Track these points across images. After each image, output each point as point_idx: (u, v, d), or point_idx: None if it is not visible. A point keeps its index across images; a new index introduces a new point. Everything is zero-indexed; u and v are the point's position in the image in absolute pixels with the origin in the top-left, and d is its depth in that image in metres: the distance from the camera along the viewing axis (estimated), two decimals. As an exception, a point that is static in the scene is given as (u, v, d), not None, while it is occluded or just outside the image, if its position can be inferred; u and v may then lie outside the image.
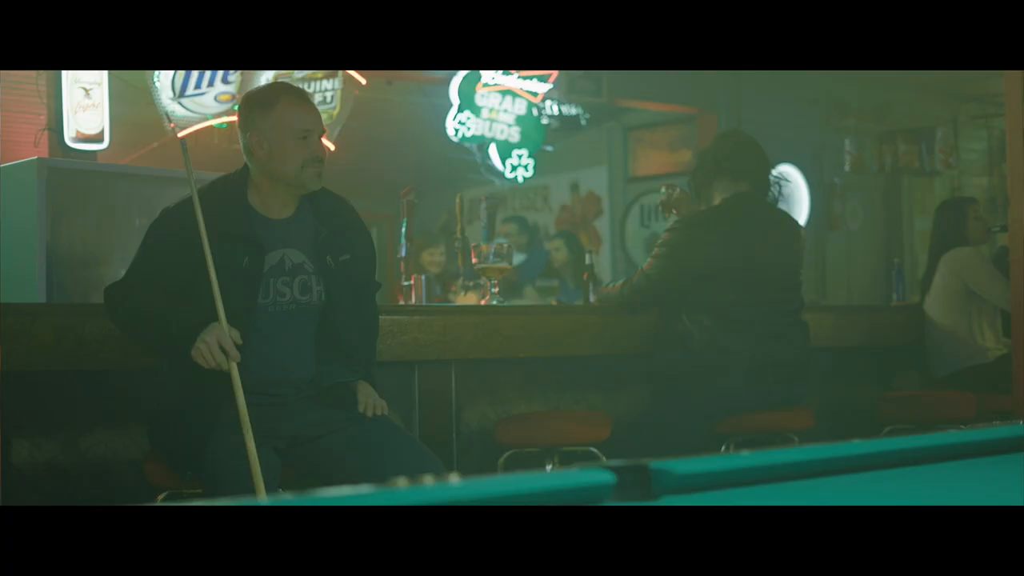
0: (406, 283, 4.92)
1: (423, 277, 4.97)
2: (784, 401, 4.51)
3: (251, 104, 3.36)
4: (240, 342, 3.14)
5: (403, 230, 4.97)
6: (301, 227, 3.37)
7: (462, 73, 7.42)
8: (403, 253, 4.97)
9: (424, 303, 4.85)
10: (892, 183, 10.05)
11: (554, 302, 6.79)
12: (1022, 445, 2.31)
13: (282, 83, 3.54)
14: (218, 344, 3.10)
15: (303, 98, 3.37)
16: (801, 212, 9.18)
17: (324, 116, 6.54)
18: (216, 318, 3.12)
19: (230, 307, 3.15)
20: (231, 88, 6.66)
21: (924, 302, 5.83)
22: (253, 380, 3.21)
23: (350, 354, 3.45)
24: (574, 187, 10.15)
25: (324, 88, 6.70)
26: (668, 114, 9.18)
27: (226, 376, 3.11)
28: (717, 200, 4.54)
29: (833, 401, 5.59)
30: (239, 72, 6.66)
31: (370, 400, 3.43)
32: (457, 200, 5.45)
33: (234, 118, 6.71)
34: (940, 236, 5.93)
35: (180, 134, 6.54)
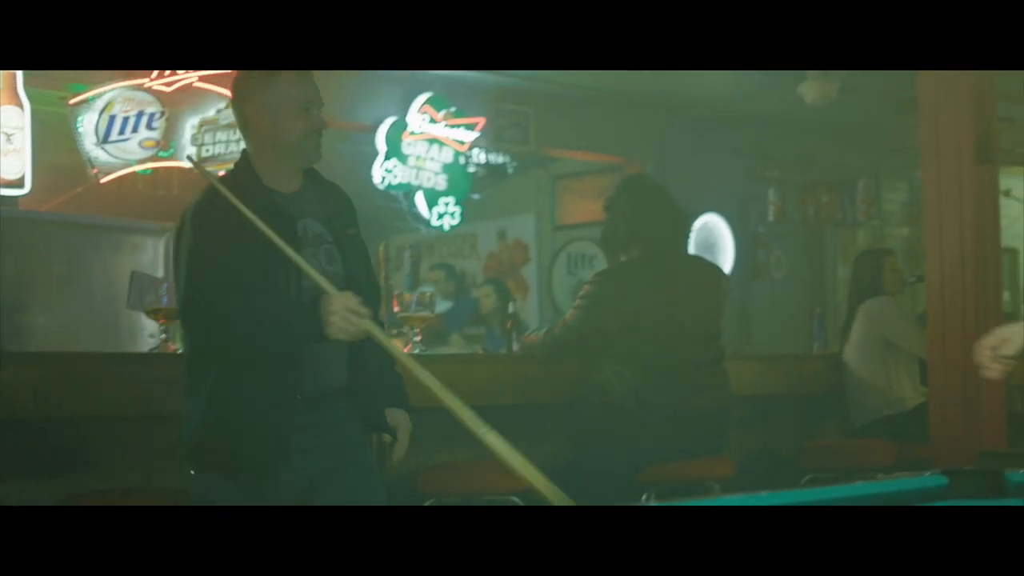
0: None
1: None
2: (705, 451, 4.53)
3: (247, 78, 3.28)
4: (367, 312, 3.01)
5: (325, 278, 4.95)
6: (311, 198, 3.30)
7: (389, 121, 7.44)
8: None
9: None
10: (815, 233, 10.17)
11: (480, 350, 6.79)
12: (940, 495, 2.35)
13: None
14: (349, 310, 2.98)
15: (303, 72, 3.28)
16: (726, 261, 9.26)
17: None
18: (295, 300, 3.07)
19: (278, 290, 3.09)
20: (155, 135, 6.62)
21: (843, 351, 5.91)
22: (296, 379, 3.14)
23: (379, 365, 3.37)
24: (501, 235, 10.18)
25: (250, 135, 6.68)
26: (595, 163, 9.25)
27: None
28: (636, 252, 4.57)
29: (754, 450, 5.62)
30: (164, 118, 6.64)
31: (405, 437, 3.40)
32: (381, 248, 5.45)
33: (158, 164, 6.69)
34: (858, 286, 6.02)
35: (103, 180, 6.49)
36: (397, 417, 3.43)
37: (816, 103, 7.37)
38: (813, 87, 7.25)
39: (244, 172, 3.26)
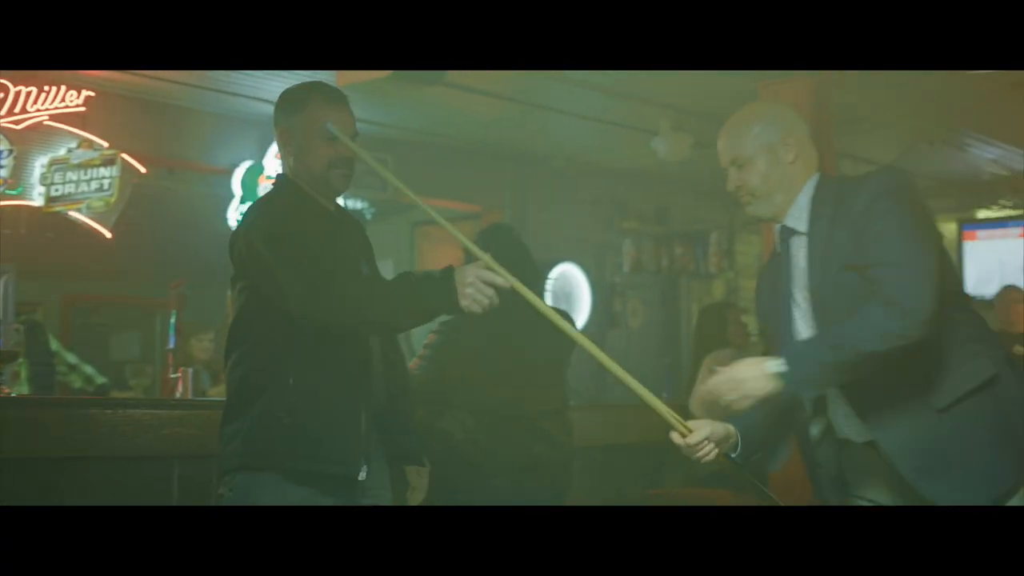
0: (173, 375, 4.86)
1: (190, 370, 4.92)
2: (545, 499, 4.57)
3: (284, 101, 3.29)
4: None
5: (172, 321, 4.92)
6: (348, 217, 3.41)
7: (245, 164, 7.40)
8: (171, 345, 4.92)
9: (190, 396, 4.80)
10: (671, 283, 10.36)
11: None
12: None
13: (318, 83, 3.35)
14: (483, 280, 3.00)
15: (336, 99, 3.27)
16: (582, 309, 9.37)
17: (100, 204, 6.44)
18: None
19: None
20: (3, 172, 6.50)
21: (690, 402, 6.02)
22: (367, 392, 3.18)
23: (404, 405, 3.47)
24: (360, 280, 10.18)
25: (101, 175, 6.59)
26: (454, 211, 9.30)
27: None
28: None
29: (600, 499, 5.69)
30: (12, 156, 6.52)
31: (418, 495, 3.48)
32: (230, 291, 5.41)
33: (5, 203, 6.56)
34: (702, 339, 6.16)
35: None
36: (417, 476, 3.54)
37: (668, 158, 7.52)
38: (665, 142, 7.40)
39: (287, 186, 3.26)
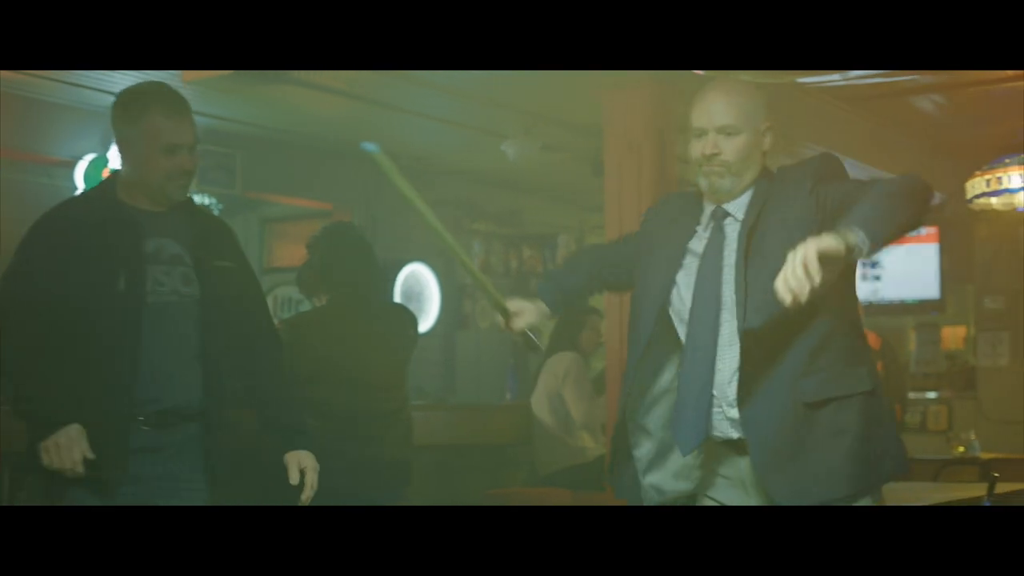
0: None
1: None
2: (384, 499, 4.59)
3: (122, 107, 3.24)
4: (91, 456, 3.00)
5: None
6: (175, 221, 3.28)
7: (88, 157, 7.27)
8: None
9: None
10: (521, 285, 10.43)
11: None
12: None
13: (157, 85, 3.30)
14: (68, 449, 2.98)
15: (176, 108, 3.23)
16: (431, 310, 9.40)
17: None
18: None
19: (114, 302, 3.07)
20: None
21: (531, 401, 6.09)
22: (135, 397, 3.11)
23: (263, 405, 3.42)
24: (209, 276, 10.07)
25: (-64, 164, 6.42)
26: (304, 209, 9.26)
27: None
28: (324, 299, 4.62)
29: (440, 498, 5.73)
30: None
31: (313, 476, 3.41)
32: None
33: None
34: (557, 339, 6.17)
35: None
36: (304, 459, 3.47)
37: (518, 161, 7.59)
38: (515, 146, 7.47)
39: (106, 186, 3.29)
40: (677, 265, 3.03)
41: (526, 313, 3.22)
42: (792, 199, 2.93)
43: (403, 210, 8.99)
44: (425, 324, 9.17)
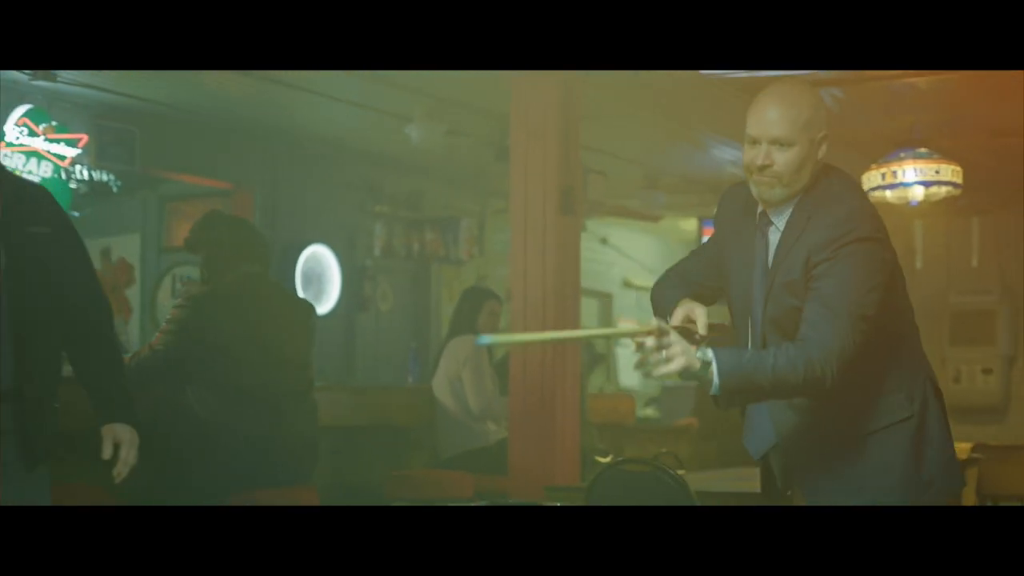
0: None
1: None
2: (290, 478, 4.59)
3: None
4: None
5: None
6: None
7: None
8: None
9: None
10: (422, 268, 10.44)
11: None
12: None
13: None
14: None
15: None
16: (332, 292, 9.36)
17: None
18: None
19: None
20: None
21: (432, 384, 6.11)
22: None
23: (88, 376, 3.28)
24: (105, 254, 9.91)
25: None
26: (204, 187, 9.16)
27: None
28: (228, 278, 4.60)
29: (344, 479, 5.73)
30: None
31: (129, 452, 3.28)
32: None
33: None
34: (456, 322, 6.21)
35: None
36: (120, 432, 3.35)
37: (422, 145, 7.59)
38: (419, 129, 7.47)
39: None
40: (750, 269, 3.03)
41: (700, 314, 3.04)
42: (815, 240, 2.89)
43: (305, 190, 8.98)
44: (326, 306, 9.13)
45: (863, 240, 2.88)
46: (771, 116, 2.91)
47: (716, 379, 2.73)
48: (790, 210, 2.97)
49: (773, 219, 2.99)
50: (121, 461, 3.37)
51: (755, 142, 2.93)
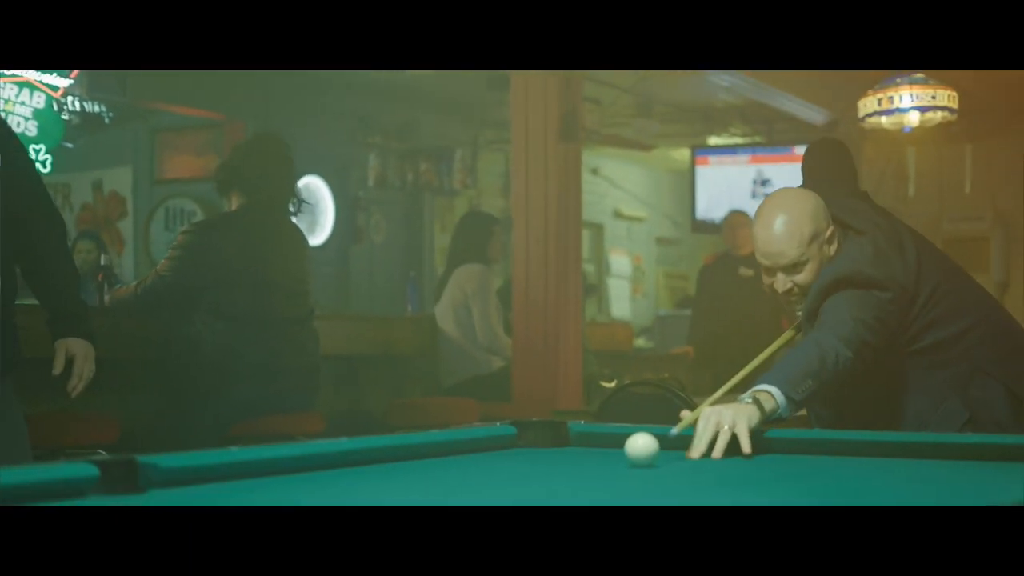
0: None
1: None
2: (294, 405, 4.61)
3: None
4: None
5: None
6: None
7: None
8: None
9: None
10: (415, 199, 10.42)
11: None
12: (509, 443, 2.52)
13: None
14: None
15: None
16: (326, 224, 9.35)
17: None
18: None
19: None
20: None
21: (436, 312, 6.10)
22: None
23: (43, 290, 3.26)
24: (97, 186, 9.87)
25: None
26: (196, 119, 9.10)
27: None
28: (234, 206, 4.60)
29: (345, 407, 5.75)
30: None
31: (84, 365, 3.26)
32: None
33: None
34: (461, 249, 6.12)
35: None
36: (74, 345, 3.34)
37: (414, 74, 7.55)
38: (415, 57, 7.41)
39: None
40: None
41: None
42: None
43: (298, 121, 8.91)
44: (319, 237, 9.13)
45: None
46: (777, 247, 2.91)
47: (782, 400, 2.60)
48: None
49: None
50: (76, 374, 3.36)
51: (769, 271, 2.97)
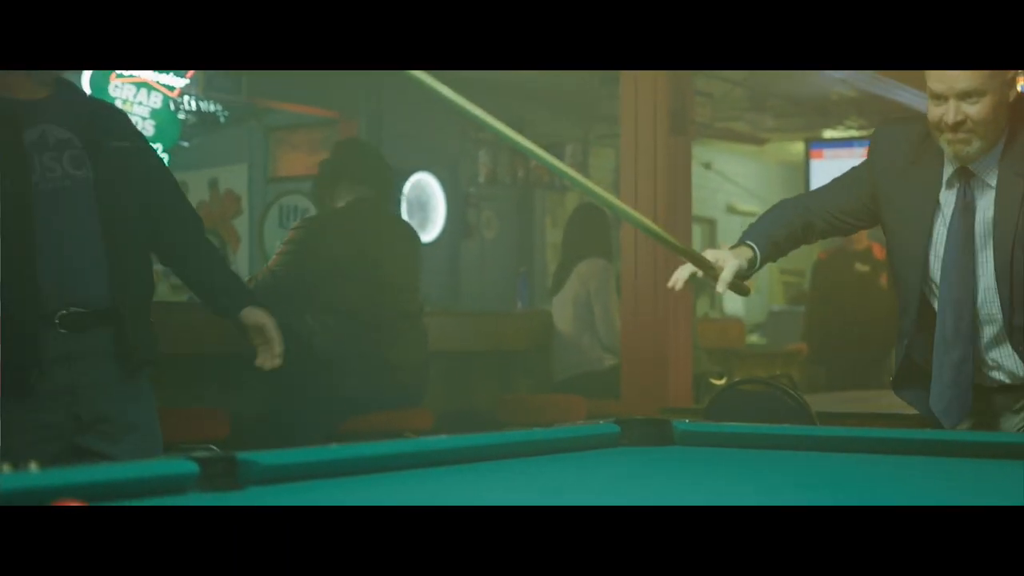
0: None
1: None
2: (403, 401, 4.63)
3: None
4: None
5: None
6: (57, 106, 3.11)
7: (95, 62, 7.21)
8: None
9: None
10: (526, 195, 10.42)
11: (186, 299, 6.68)
12: (613, 442, 2.49)
13: None
14: None
15: None
16: (437, 219, 9.39)
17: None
18: None
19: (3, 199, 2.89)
20: None
21: (552, 307, 6.06)
22: (39, 295, 2.98)
23: (201, 279, 3.35)
24: (213, 184, 10.03)
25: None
26: (309, 117, 9.20)
27: None
28: (341, 203, 4.64)
29: (454, 403, 5.77)
30: None
31: (273, 332, 3.33)
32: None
33: None
34: (582, 243, 6.06)
35: None
36: (258, 315, 3.40)
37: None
38: (525, 52, 7.40)
39: None
40: (931, 222, 2.85)
41: (729, 265, 2.87)
42: None
43: (409, 118, 8.97)
44: (431, 233, 9.16)
45: None
46: (955, 70, 2.67)
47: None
48: (995, 157, 2.78)
49: (977, 171, 2.80)
50: (274, 342, 3.41)
51: (940, 97, 2.73)
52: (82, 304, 3.08)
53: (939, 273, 2.86)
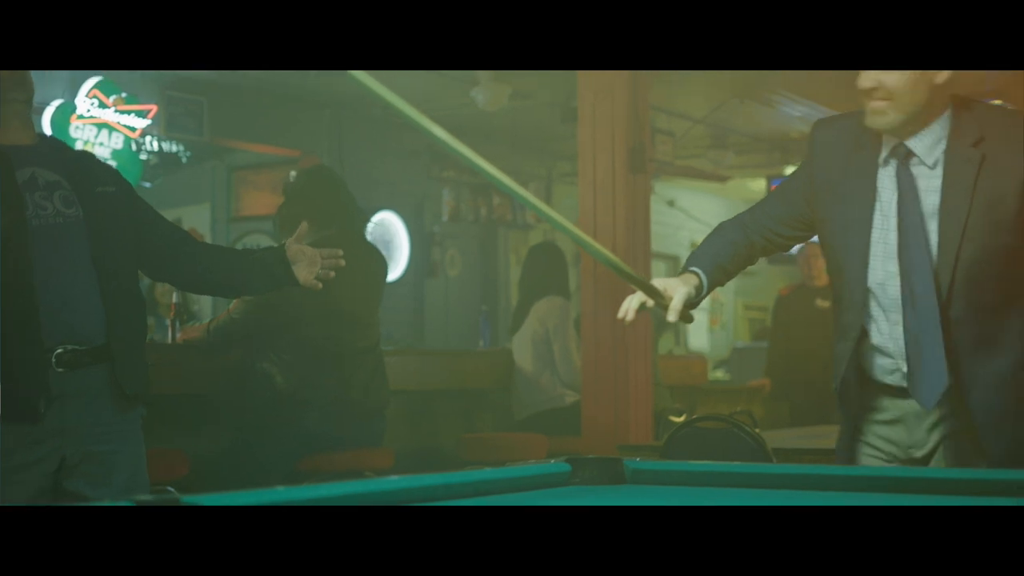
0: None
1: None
2: (363, 441, 4.61)
3: None
4: None
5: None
6: (45, 152, 3.20)
7: (55, 103, 7.21)
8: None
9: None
10: (489, 233, 10.46)
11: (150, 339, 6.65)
12: (563, 481, 2.49)
13: None
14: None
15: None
16: (401, 259, 9.40)
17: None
18: None
19: None
20: None
21: (512, 345, 6.06)
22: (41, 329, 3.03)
23: (223, 265, 3.50)
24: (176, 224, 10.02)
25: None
26: (271, 156, 9.22)
27: None
28: (307, 239, 4.61)
29: (417, 441, 5.76)
30: None
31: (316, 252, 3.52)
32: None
33: None
34: (539, 281, 6.07)
35: None
36: (294, 250, 3.56)
37: (488, 108, 7.57)
38: (485, 92, 7.45)
39: None
40: (872, 201, 2.83)
41: (678, 293, 2.90)
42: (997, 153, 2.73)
43: (371, 158, 8.97)
44: (395, 272, 9.17)
45: None
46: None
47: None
48: (933, 137, 2.78)
49: (913, 148, 2.78)
50: (329, 255, 3.60)
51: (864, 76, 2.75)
52: (78, 341, 3.12)
53: (883, 256, 2.84)
